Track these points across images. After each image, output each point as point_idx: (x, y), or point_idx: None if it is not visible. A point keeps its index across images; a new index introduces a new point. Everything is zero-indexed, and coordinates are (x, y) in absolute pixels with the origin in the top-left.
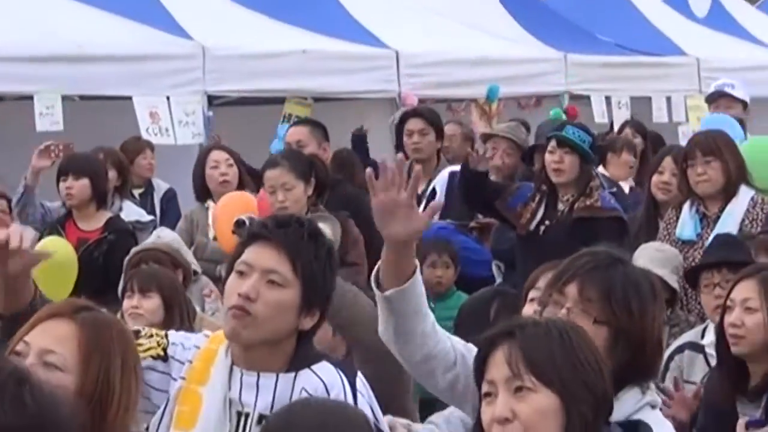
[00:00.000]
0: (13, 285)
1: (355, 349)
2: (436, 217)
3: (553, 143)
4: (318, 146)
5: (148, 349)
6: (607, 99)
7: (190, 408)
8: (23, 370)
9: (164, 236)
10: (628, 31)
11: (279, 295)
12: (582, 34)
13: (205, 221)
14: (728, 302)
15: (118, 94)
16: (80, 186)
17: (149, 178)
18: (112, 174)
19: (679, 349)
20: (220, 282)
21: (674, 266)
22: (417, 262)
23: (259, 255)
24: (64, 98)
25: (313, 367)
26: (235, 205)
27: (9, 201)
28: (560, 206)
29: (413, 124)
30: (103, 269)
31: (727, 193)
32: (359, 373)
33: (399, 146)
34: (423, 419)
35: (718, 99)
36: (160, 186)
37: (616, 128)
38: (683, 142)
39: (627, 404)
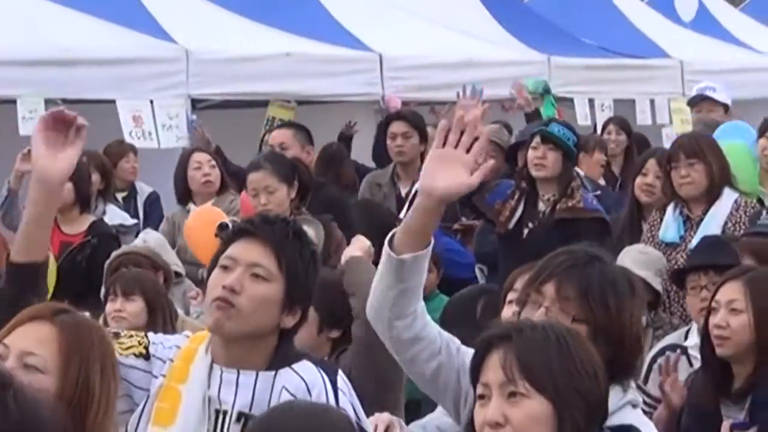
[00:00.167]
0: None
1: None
2: None
3: (537, 139)
4: (301, 149)
5: (130, 347)
6: (591, 101)
7: (169, 405)
8: (6, 375)
9: (150, 239)
10: (611, 33)
11: (263, 289)
12: (565, 36)
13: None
14: (713, 304)
15: (101, 97)
16: (64, 189)
17: (132, 182)
18: (95, 177)
19: (662, 351)
20: (202, 284)
21: (658, 269)
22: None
23: (244, 250)
24: (48, 102)
25: (294, 366)
26: (208, 218)
27: None
28: (541, 206)
29: (396, 127)
30: (86, 273)
31: (711, 196)
32: (340, 372)
33: (380, 149)
34: (408, 422)
35: (699, 102)
36: (144, 189)
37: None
38: (667, 145)
39: (608, 403)
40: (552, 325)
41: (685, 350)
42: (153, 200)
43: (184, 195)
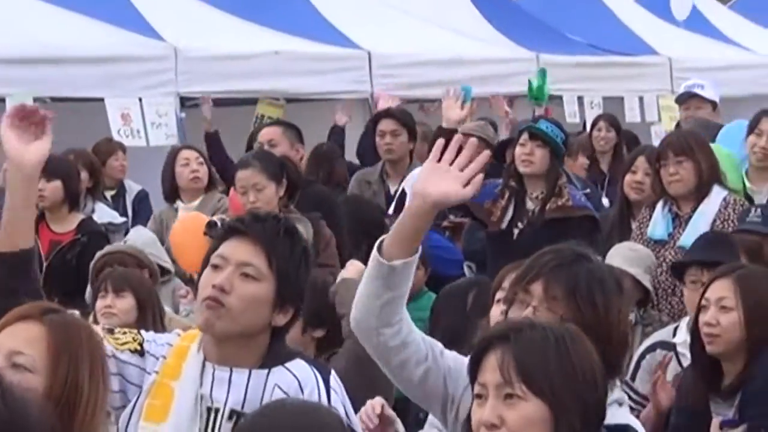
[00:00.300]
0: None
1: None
2: None
3: (525, 136)
4: (291, 147)
5: (125, 343)
6: (580, 99)
7: (161, 402)
8: None
9: (141, 236)
10: (600, 31)
11: (253, 289)
12: (554, 34)
13: (174, 222)
14: (703, 301)
15: (90, 95)
16: (52, 188)
17: (121, 180)
18: (83, 175)
19: (651, 348)
20: (191, 283)
21: (647, 266)
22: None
23: (235, 248)
24: (36, 100)
25: (287, 364)
26: (192, 226)
27: None
28: (529, 204)
29: (385, 124)
30: (75, 271)
31: (700, 193)
32: (333, 372)
33: (368, 146)
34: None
35: (687, 100)
36: (132, 187)
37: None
38: (656, 142)
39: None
40: (552, 326)
41: (673, 347)
42: (142, 198)
43: (172, 192)
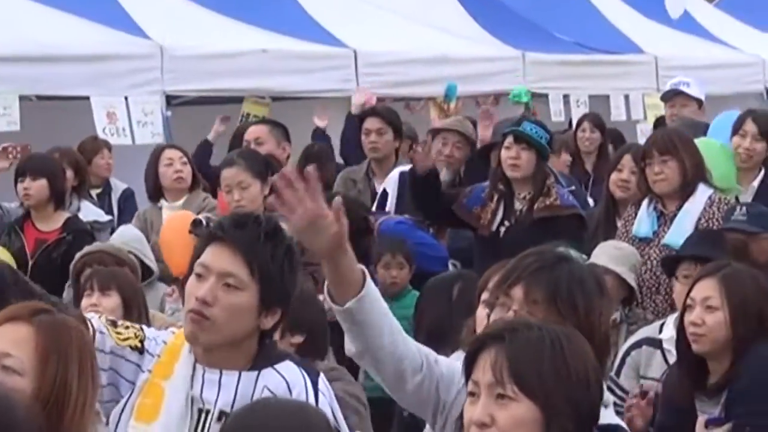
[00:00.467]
0: None
1: None
2: (393, 212)
3: (510, 139)
4: (277, 145)
5: (127, 338)
6: (566, 97)
7: (152, 401)
8: None
9: (128, 234)
10: (585, 29)
11: (236, 299)
12: (540, 32)
13: (159, 221)
14: (688, 301)
15: (75, 94)
16: (38, 186)
17: (107, 178)
18: (69, 174)
19: (637, 345)
20: (177, 282)
21: (632, 264)
22: (362, 267)
23: (216, 257)
24: (22, 98)
25: (277, 366)
26: (180, 225)
27: None
28: (517, 204)
29: (371, 123)
30: (61, 270)
31: (685, 192)
32: (321, 374)
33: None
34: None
35: (673, 97)
36: (118, 186)
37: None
38: (642, 140)
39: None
40: (548, 327)
41: (659, 344)
42: (127, 197)
43: (156, 191)
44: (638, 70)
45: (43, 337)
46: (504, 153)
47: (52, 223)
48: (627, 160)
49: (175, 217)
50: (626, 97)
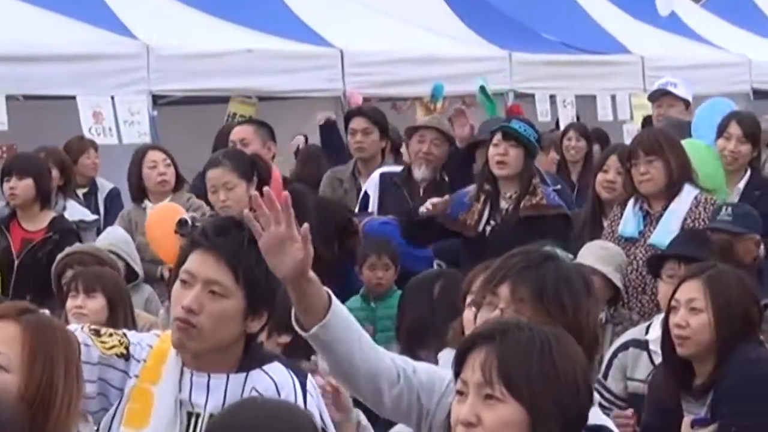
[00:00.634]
0: None
1: None
2: (376, 212)
3: (498, 136)
4: (263, 145)
5: (112, 347)
6: (552, 98)
7: (141, 406)
8: None
9: (114, 235)
10: (572, 29)
11: (222, 306)
12: (527, 32)
13: (143, 222)
14: (673, 302)
15: (62, 93)
16: (24, 186)
17: (93, 178)
18: (54, 173)
19: (624, 347)
20: (163, 282)
21: (618, 264)
22: (327, 290)
23: (200, 265)
24: (9, 98)
25: (265, 367)
26: (167, 215)
27: None
28: (503, 204)
29: (357, 123)
30: (47, 269)
31: (670, 192)
32: (310, 376)
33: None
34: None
35: (660, 98)
36: (104, 185)
37: (562, 127)
38: (628, 141)
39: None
40: (539, 329)
41: (646, 345)
42: (114, 196)
43: (139, 192)
44: (625, 70)
45: (30, 335)
46: (492, 150)
47: (38, 223)
48: (613, 161)
49: (158, 210)
50: (613, 98)
